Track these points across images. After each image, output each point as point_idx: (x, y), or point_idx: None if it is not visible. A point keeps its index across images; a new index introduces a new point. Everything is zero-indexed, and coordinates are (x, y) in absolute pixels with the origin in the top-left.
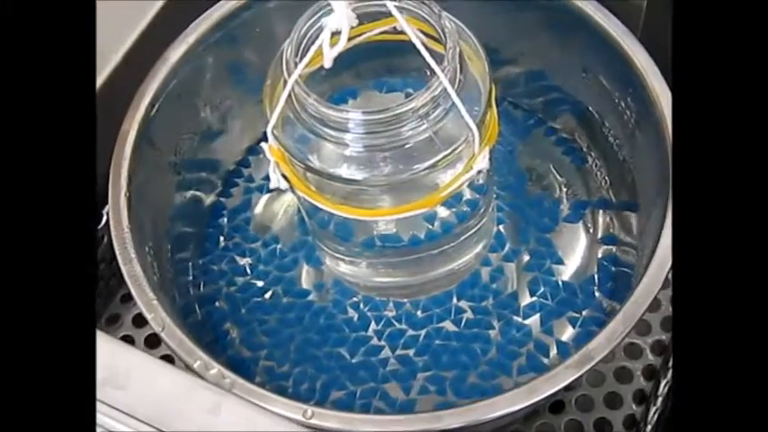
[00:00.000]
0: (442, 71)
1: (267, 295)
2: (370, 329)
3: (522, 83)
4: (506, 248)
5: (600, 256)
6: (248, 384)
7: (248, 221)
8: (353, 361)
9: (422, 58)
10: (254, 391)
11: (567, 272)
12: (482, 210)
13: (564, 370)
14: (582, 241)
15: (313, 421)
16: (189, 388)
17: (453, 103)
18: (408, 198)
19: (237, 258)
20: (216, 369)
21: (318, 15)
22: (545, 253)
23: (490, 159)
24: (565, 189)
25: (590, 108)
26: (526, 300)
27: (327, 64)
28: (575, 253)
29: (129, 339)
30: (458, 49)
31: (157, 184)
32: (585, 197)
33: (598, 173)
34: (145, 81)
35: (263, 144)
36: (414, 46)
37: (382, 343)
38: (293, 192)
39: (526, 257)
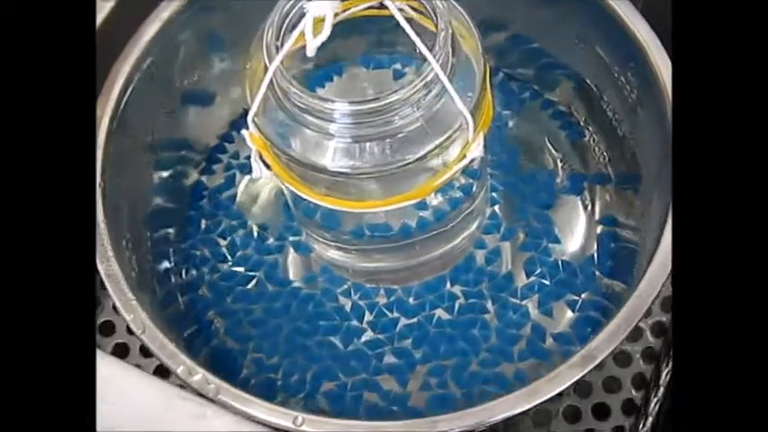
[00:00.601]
0: (434, 56)
1: (252, 283)
2: (361, 318)
3: (515, 52)
4: (501, 229)
5: (599, 233)
6: (234, 390)
7: (232, 201)
8: (345, 351)
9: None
10: (240, 397)
11: (564, 251)
12: (476, 193)
13: (567, 370)
14: (580, 219)
15: (304, 428)
16: (170, 398)
17: (446, 89)
18: (399, 188)
19: (220, 243)
20: (200, 374)
21: None
22: (542, 232)
23: (485, 145)
24: (561, 164)
25: (587, 80)
26: (523, 281)
27: (310, 53)
28: (573, 231)
29: (123, 347)
30: (450, 31)
31: (134, 168)
32: (583, 172)
33: (596, 148)
34: (116, 63)
35: (243, 131)
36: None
37: (374, 332)
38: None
39: (522, 237)
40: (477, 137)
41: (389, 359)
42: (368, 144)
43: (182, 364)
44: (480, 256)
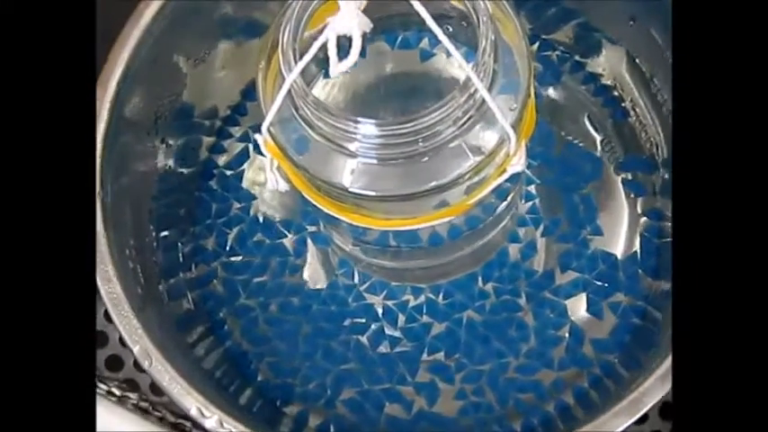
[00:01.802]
0: (476, 71)
1: (266, 276)
2: (388, 319)
3: (557, 21)
4: (536, 220)
5: (642, 227)
6: None
7: (240, 179)
8: (369, 354)
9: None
10: None
11: (605, 245)
12: (512, 194)
13: (612, 418)
14: (622, 211)
15: None
16: None
17: (487, 104)
18: (429, 205)
19: (231, 233)
20: (215, 416)
21: None
22: (581, 222)
23: (526, 155)
24: (601, 146)
25: (637, 60)
26: (561, 279)
27: (333, 73)
28: (614, 224)
29: (117, 360)
30: (493, 38)
31: (137, 162)
32: (625, 157)
33: (643, 132)
34: (113, 49)
35: (257, 136)
36: None
37: (400, 334)
38: None
39: (559, 229)
40: (518, 149)
41: (419, 364)
42: (395, 165)
43: (195, 402)
44: (514, 250)
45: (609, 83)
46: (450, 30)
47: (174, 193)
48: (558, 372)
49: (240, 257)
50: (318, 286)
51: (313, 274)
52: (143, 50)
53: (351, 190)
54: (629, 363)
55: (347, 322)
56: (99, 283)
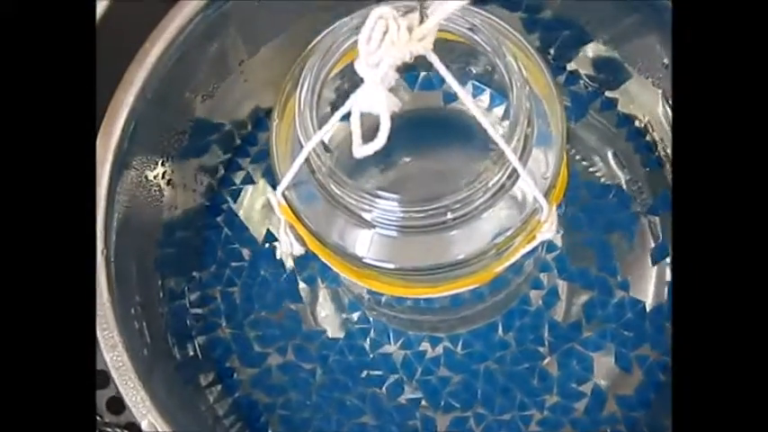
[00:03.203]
0: (512, 149)
1: (277, 321)
2: (402, 371)
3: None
4: (559, 266)
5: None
6: None
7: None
8: (386, 408)
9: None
10: None
11: (633, 292)
12: (540, 252)
13: None
14: (649, 258)
15: None
16: None
17: (517, 174)
18: (453, 275)
19: (240, 275)
20: None
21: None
22: (606, 270)
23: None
24: (627, 186)
25: (670, 101)
26: (585, 327)
27: (357, 155)
28: (641, 273)
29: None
30: (528, 106)
31: (142, 210)
32: (654, 201)
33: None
34: (117, 91)
35: (270, 196)
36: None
37: (417, 387)
38: None
39: (583, 278)
40: (550, 216)
41: (436, 418)
42: (417, 235)
43: None
44: (536, 297)
45: (638, 125)
46: (474, 71)
47: (180, 236)
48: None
49: (249, 303)
50: (332, 333)
51: (325, 318)
52: (148, 93)
53: (366, 261)
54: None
55: (359, 378)
56: (104, 350)
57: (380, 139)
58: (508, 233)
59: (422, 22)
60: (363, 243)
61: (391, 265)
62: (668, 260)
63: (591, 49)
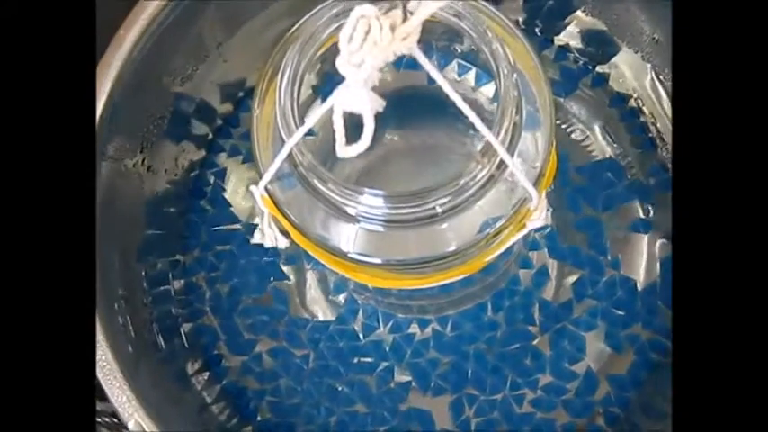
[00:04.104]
0: (499, 139)
1: (264, 306)
2: (391, 356)
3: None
4: (549, 244)
5: (663, 254)
6: None
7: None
8: (375, 393)
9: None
10: None
11: (623, 273)
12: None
13: None
14: (640, 235)
15: None
16: None
17: (506, 165)
18: (442, 266)
19: (225, 259)
20: None
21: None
22: (596, 249)
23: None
24: (620, 161)
25: (662, 77)
26: (576, 309)
27: (341, 155)
28: (632, 249)
29: None
30: (516, 94)
31: (122, 199)
32: (645, 177)
33: (664, 149)
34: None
35: (252, 189)
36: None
37: (407, 371)
38: None
39: (573, 255)
40: (540, 204)
41: (424, 404)
42: (404, 229)
43: None
44: (525, 277)
45: (628, 95)
46: (459, 50)
47: (163, 220)
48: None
49: (236, 288)
50: (320, 316)
51: (312, 301)
52: (126, 78)
53: (351, 256)
54: (647, 405)
55: (349, 362)
56: None
57: (364, 141)
58: (498, 224)
59: (405, 19)
60: (348, 238)
61: (377, 260)
62: (658, 237)
63: (578, 21)
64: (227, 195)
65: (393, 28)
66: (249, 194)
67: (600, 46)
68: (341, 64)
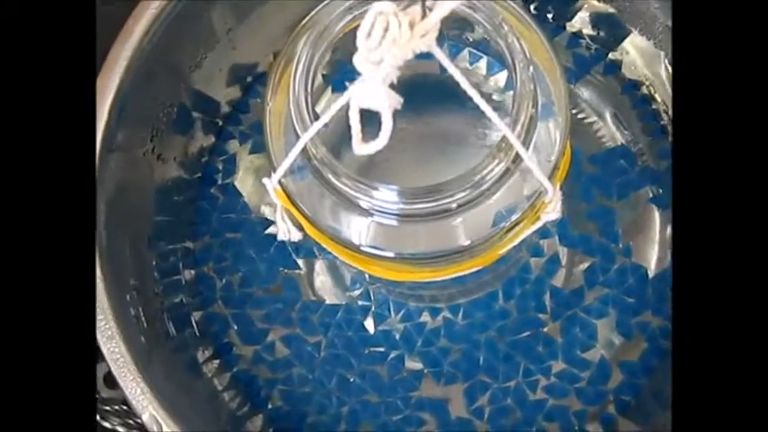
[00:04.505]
0: (515, 133)
1: (274, 293)
2: (403, 345)
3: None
4: (560, 232)
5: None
6: None
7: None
8: (387, 383)
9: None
10: None
11: (635, 259)
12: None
13: None
14: (653, 222)
15: None
16: None
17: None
18: (455, 260)
19: (235, 246)
20: None
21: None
22: (607, 236)
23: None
24: (631, 148)
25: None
26: (588, 296)
27: (358, 152)
28: (645, 236)
29: None
30: (532, 88)
31: (132, 187)
32: (656, 164)
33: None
34: (102, 73)
35: (265, 182)
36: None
37: (418, 361)
38: None
39: (584, 243)
40: (555, 197)
41: (435, 392)
42: (417, 223)
43: None
44: (536, 265)
45: (640, 82)
46: (470, 39)
47: (173, 208)
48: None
49: (246, 276)
50: (331, 300)
51: (323, 289)
52: (135, 68)
53: (363, 249)
54: (659, 392)
55: (360, 351)
56: (101, 341)
57: (382, 139)
58: (513, 217)
59: (424, 16)
60: (360, 231)
61: (390, 254)
62: (670, 224)
63: (588, 5)
64: (236, 183)
65: (412, 25)
66: (261, 185)
67: (610, 29)
68: (359, 61)
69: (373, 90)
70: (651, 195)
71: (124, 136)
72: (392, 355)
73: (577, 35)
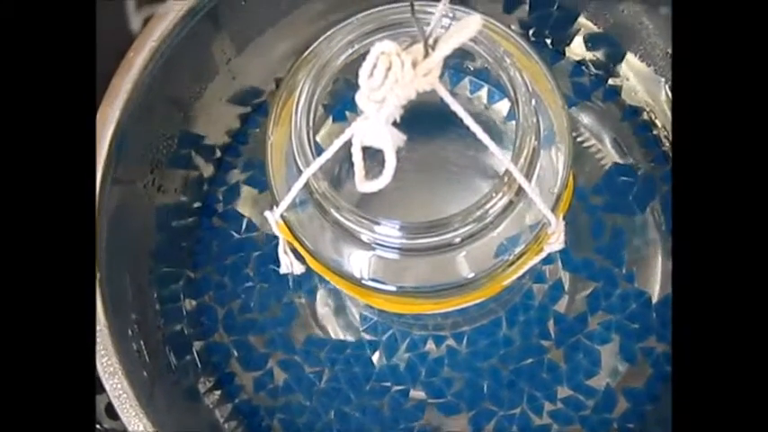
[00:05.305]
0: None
1: (276, 322)
2: (407, 376)
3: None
4: (562, 257)
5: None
6: None
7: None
8: (390, 415)
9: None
10: None
11: (638, 285)
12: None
13: None
14: (655, 247)
15: None
16: None
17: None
18: (458, 293)
19: (236, 275)
20: None
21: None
22: (610, 261)
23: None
24: (635, 168)
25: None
26: (591, 322)
27: (361, 190)
28: (647, 262)
29: None
30: (534, 121)
31: (133, 220)
32: (658, 189)
33: None
34: (102, 107)
35: (266, 214)
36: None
37: (422, 391)
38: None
39: (587, 268)
40: (558, 228)
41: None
42: (419, 257)
43: None
44: (539, 291)
45: (641, 108)
46: (471, 68)
47: (173, 240)
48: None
49: (247, 303)
50: (333, 333)
51: (326, 318)
52: (135, 101)
53: (365, 283)
54: (664, 418)
55: (363, 382)
56: (103, 378)
57: (386, 177)
58: (517, 249)
59: (426, 55)
60: (362, 264)
61: (392, 287)
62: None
63: (584, 29)
64: (237, 212)
65: (414, 64)
66: (263, 218)
67: (606, 50)
68: (361, 100)
69: (376, 128)
70: (653, 219)
71: (124, 168)
72: (396, 387)
73: (577, 62)
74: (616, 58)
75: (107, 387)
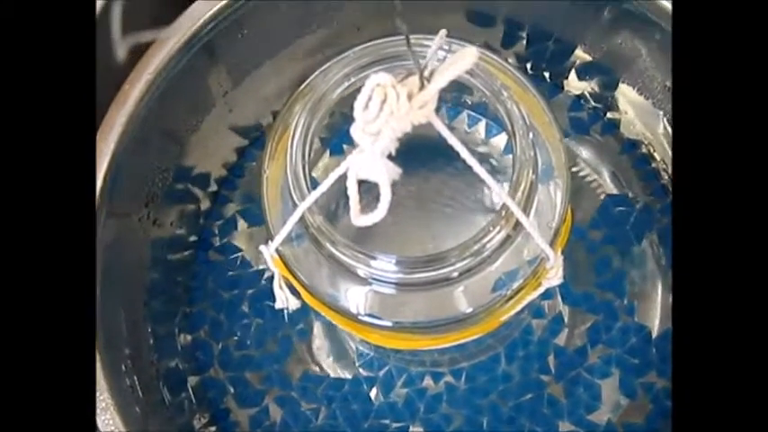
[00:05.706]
0: (515, 200)
1: (271, 357)
2: (405, 413)
3: (581, 74)
4: (562, 291)
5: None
6: None
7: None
8: None
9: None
10: None
11: (638, 318)
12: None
13: None
14: (654, 282)
15: None
16: None
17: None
18: (455, 329)
19: (231, 310)
20: None
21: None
22: (611, 293)
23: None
24: (630, 198)
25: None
26: (591, 355)
27: (356, 224)
28: (647, 296)
29: None
30: (532, 155)
31: (127, 255)
32: (658, 222)
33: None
34: (97, 137)
35: (262, 249)
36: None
37: (421, 428)
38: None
39: (587, 301)
40: (557, 263)
41: None
42: (415, 294)
43: None
44: (539, 326)
45: (640, 142)
46: (469, 102)
47: (169, 274)
48: None
49: (243, 340)
50: (330, 369)
51: (322, 353)
52: (131, 133)
53: (361, 319)
54: None
55: (367, 423)
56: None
57: (381, 211)
58: (515, 284)
59: (422, 87)
60: (358, 299)
61: (388, 323)
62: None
63: (581, 61)
64: (233, 246)
65: (410, 96)
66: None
67: (601, 78)
68: (356, 132)
69: (371, 162)
70: (652, 252)
71: (119, 202)
72: (393, 426)
73: (576, 96)
74: (610, 86)
75: (99, 423)
